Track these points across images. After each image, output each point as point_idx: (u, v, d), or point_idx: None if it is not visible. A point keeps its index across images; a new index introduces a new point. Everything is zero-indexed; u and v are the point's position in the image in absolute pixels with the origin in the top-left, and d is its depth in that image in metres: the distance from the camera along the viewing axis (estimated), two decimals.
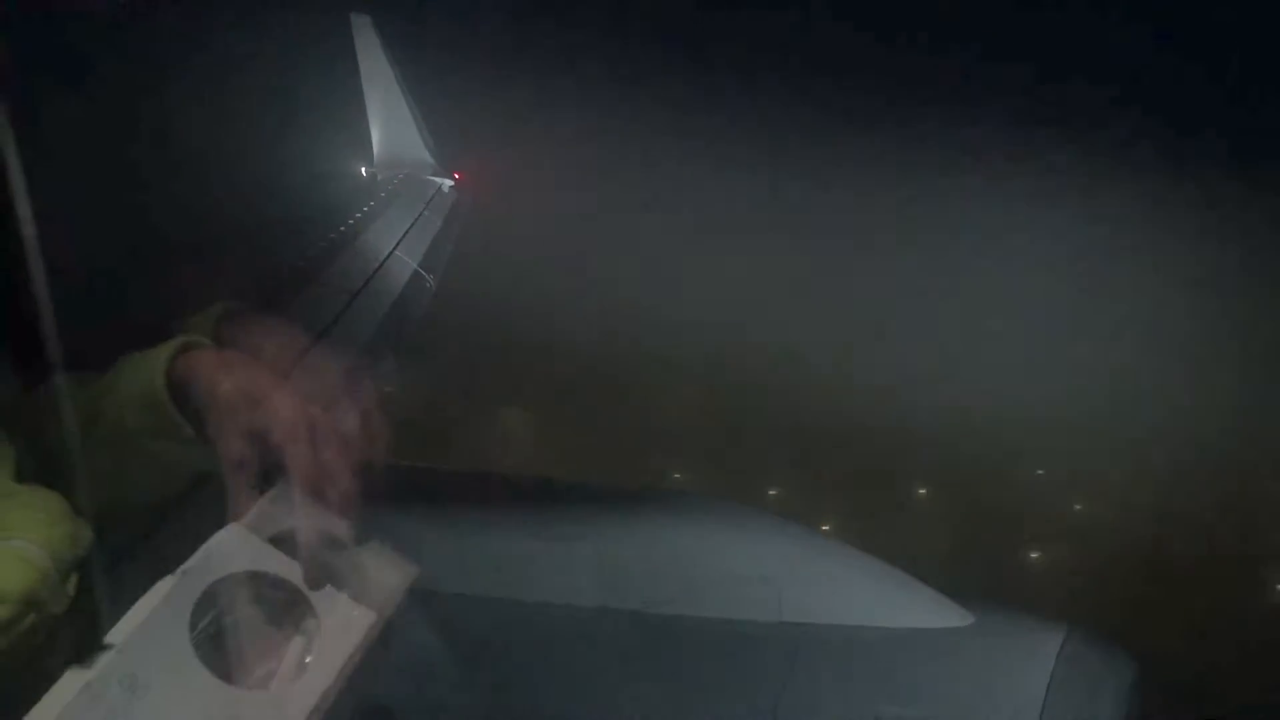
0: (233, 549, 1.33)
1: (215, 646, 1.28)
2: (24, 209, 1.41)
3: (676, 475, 26.70)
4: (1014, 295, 29.94)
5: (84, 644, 1.25)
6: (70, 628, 1.33)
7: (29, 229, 1.42)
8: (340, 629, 1.35)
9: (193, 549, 1.30)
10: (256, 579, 1.34)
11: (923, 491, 26.92)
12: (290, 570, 1.35)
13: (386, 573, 1.42)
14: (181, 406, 1.47)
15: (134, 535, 1.67)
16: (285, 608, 1.34)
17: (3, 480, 1.40)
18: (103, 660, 1.19)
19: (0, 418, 1.46)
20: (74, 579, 1.38)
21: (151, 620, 1.25)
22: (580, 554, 2.55)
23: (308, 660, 1.31)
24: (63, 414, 1.46)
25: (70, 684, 1.17)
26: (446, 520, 2.62)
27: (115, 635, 1.23)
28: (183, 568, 1.30)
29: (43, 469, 1.48)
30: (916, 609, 2.48)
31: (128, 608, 1.25)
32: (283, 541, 1.36)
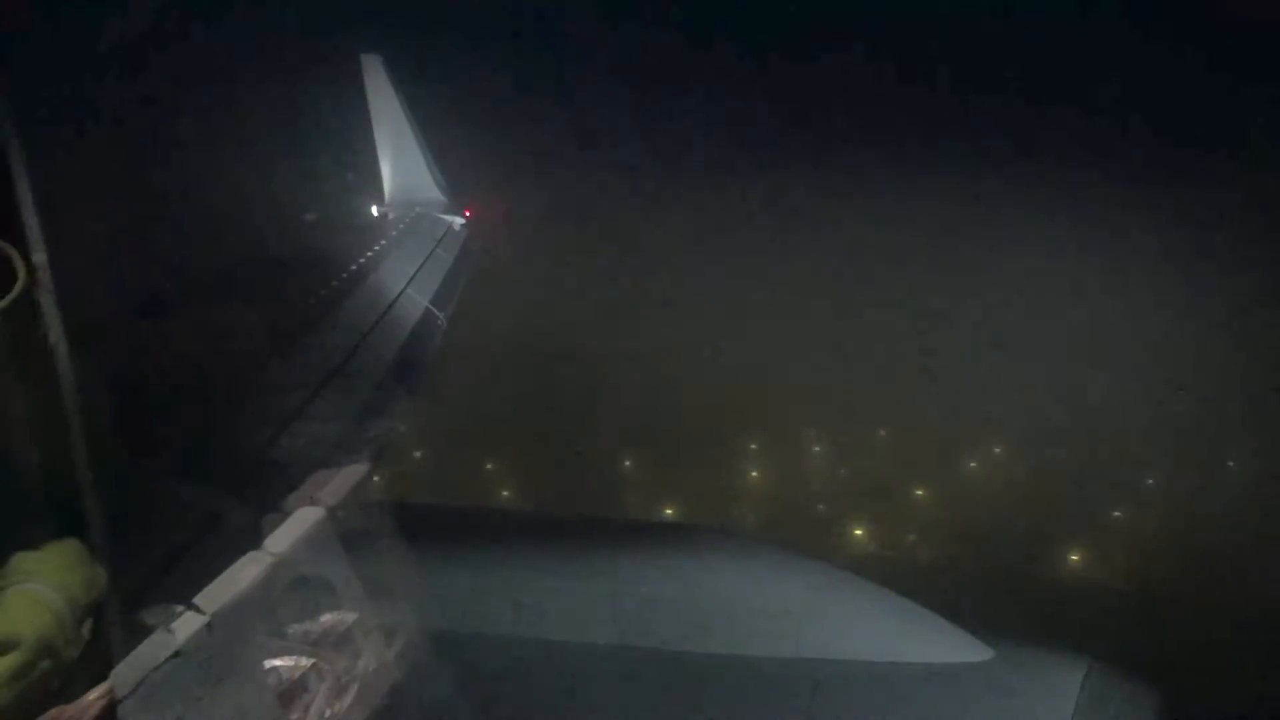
0: (314, 544, 1.33)
1: (273, 661, 1.28)
2: (40, 251, 1.42)
3: (689, 509, 26.68)
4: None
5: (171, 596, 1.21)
6: (85, 673, 1.32)
7: (46, 266, 1.43)
8: (374, 673, 1.35)
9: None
10: (322, 593, 1.34)
11: None
12: (346, 588, 1.36)
13: (395, 633, 1.43)
14: None
15: (148, 581, 1.66)
16: (335, 637, 1.35)
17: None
18: (191, 629, 1.16)
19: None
20: (89, 623, 1.37)
21: (241, 601, 1.23)
22: (598, 591, 2.53)
23: (343, 702, 1.32)
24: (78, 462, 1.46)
25: (158, 648, 1.15)
26: (463, 558, 2.61)
27: (206, 600, 1.20)
28: (271, 546, 1.29)
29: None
30: (937, 644, 2.45)
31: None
32: (319, 579, 1.37)
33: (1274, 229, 31.49)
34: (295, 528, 1.38)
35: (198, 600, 1.22)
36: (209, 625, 1.19)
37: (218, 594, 1.24)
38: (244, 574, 1.29)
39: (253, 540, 1.38)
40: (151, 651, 1.15)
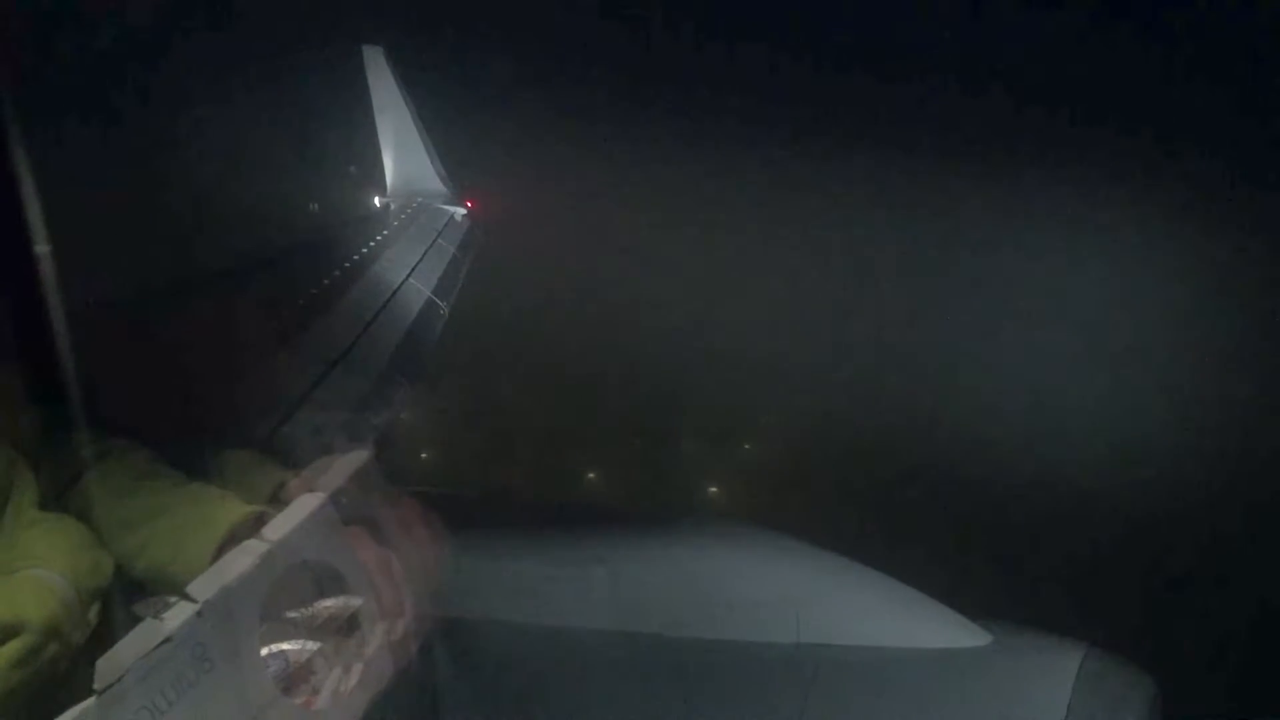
0: (314, 530, 1.36)
1: (278, 646, 1.29)
2: (44, 247, 1.43)
3: (692, 496, 26.75)
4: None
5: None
6: (91, 658, 1.34)
7: (49, 266, 1.45)
8: (379, 656, 1.37)
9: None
10: (326, 579, 1.36)
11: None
12: (352, 574, 1.38)
13: (400, 618, 1.45)
14: None
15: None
16: (340, 622, 1.37)
17: (27, 509, 1.41)
18: (182, 618, 1.18)
19: (24, 448, 1.48)
20: (96, 608, 1.38)
21: (233, 589, 1.23)
22: (598, 577, 2.54)
23: (347, 684, 1.33)
24: (82, 450, 1.48)
25: (147, 635, 1.15)
26: (463, 545, 2.62)
27: (197, 590, 1.22)
28: (267, 533, 1.31)
29: (66, 499, 1.50)
30: (934, 629, 2.46)
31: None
32: (353, 525, 1.40)
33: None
34: (294, 515, 1.39)
35: (190, 589, 1.22)
36: (200, 612, 1.20)
37: (211, 581, 1.25)
38: (239, 561, 1.30)
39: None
40: (140, 639, 1.16)
